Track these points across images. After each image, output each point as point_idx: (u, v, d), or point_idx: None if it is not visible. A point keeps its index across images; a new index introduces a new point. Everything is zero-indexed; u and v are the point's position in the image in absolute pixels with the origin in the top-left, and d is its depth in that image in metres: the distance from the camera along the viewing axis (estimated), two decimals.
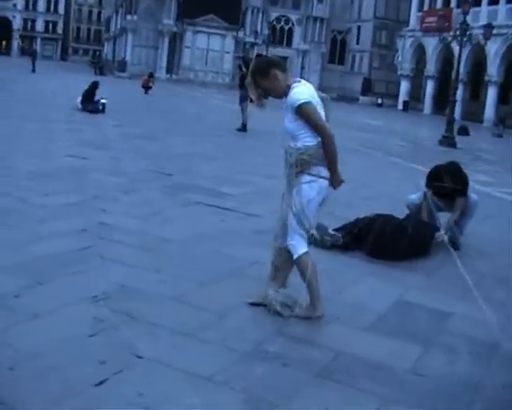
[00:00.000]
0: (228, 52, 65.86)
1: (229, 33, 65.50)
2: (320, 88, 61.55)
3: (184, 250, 6.43)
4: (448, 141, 26.37)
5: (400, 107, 60.60)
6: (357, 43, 71.63)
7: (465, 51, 45.12)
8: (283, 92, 4.80)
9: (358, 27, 71.33)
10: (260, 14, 66.48)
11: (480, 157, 22.64)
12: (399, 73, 61.71)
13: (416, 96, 62.03)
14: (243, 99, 20.09)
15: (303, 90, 4.72)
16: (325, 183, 4.85)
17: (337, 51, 72.86)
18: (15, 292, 4.82)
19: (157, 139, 15.41)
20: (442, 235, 8.03)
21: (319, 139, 4.74)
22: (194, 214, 8.10)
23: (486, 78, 48.34)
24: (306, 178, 4.81)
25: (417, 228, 7.49)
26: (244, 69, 20.33)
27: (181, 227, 7.35)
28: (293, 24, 68.45)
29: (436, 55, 55.81)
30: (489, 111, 47.57)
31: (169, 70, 64.10)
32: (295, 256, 4.97)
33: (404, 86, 61.48)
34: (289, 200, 4.92)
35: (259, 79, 4.85)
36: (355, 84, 70.25)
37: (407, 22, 61.67)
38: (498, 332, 5.18)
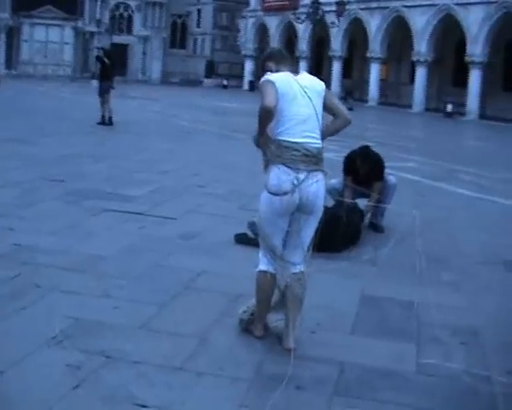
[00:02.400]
0: (67, 43, 63.31)
1: (67, 24, 62.93)
2: (163, 73, 60.49)
3: (122, 268, 5.86)
4: None
5: (246, 87, 60.96)
6: (198, 26, 71.19)
7: (308, 28, 46.24)
8: None
9: (198, 10, 70.86)
10: (99, 2, 64.39)
11: (346, 133, 22.99)
12: (243, 53, 62.03)
13: (260, 75, 62.66)
14: (105, 91, 19.23)
15: (272, 74, 4.31)
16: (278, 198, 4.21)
17: (178, 35, 72.09)
18: None
19: (30, 142, 14.30)
20: (365, 220, 7.99)
21: (278, 130, 4.24)
22: (110, 224, 7.48)
23: (330, 53, 49.58)
24: (265, 183, 4.30)
25: (350, 216, 7.32)
26: (107, 60, 19.51)
27: (104, 240, 6.74)
28: (132, 10, 66.89)
29: (279, 34, 56.51)
30: (335, 85, 48.77)
31: (8, 65, 60.83)
32: (256, 269, 4.50)
33: (249, 66, 61.89)
34: None
35: (261, 72, 4.53)
36: (198, 68, 69.95)
37: (247, 2, 61.98)
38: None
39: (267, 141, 4.25)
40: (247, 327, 4.54)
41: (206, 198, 9.34)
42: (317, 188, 4.23)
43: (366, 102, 46.45)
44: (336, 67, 49.63)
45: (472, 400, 3.88)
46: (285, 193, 4.15)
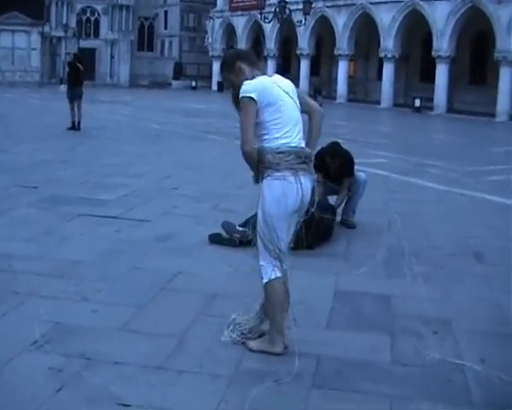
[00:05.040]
0: (34, 49, 62.92)
1: (34, 29, 62.51)
2: (132, 76, 59.88)
3: (99, 271, 5.91)
4: None
5: (215, 88, 60.99)
6: (166, 28, 71.07)
7: (275, 28, 46.40)
8: None
9: (165, 12, 70.75)
10: (65, 7, 64.06)
11: None
12: (211, 54, 62.01)
13: (227, 76, 62.67)
14: (76, 97, 19.19)
15: (252, 83, 4.14)
16: (290, 186, 4.16)
17: (145, 38, 71.92)
18: None
19: (1, 149, 14.19)
20: (336, 216, 8.11)
21: (280, 142, 4.13)
22: (86, 229, 7.51)
23: (298, 51, 49.79)
24: (267, 182, 4.20)
25: (322, 213, 7.41)
26: (80, 66, 19.52)
27: (80, 245, 6.78)
28: (99, 14, 66.61)
29: (246, 34, 56.64)
30: (303, 83, 48.97)
31: None
32: (264, 280, 4.31)
33: (217, 67, 61.78)
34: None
35: (226, 72, 4.35)
36: (166, 70, 69.85)
37: (214, 3, 62.01)
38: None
39: (258, 157, 4.18)
40: (260, 349, 4.33)
41: (180, 200, 9.41)
42: (309, 189, 4.29)
43: (335, 99, 46.73)
44: (304, 66, 49.86)
45: (446, 388, 4.00)
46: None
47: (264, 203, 4.23)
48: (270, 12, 32.22)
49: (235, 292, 5.43)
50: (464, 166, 14.99)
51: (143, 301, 5.18)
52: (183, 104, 36.40)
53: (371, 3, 43.38)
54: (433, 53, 39.78)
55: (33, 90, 49.28)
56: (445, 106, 39.54)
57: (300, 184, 4.20)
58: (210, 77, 63.57)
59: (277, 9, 27.08)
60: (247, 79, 4.21)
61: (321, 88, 42.98)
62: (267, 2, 42.23)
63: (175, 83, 66.08)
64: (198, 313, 4.94)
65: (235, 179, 11.56)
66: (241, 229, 7.05)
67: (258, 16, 41.54)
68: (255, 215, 7.30)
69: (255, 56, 4.54)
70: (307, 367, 4.11)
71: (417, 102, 39.79)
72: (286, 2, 26.84)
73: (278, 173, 4.14)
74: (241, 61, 4.33)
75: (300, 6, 36.45)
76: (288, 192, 4.17)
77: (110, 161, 13.28)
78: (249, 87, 4.14)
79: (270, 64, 50.65)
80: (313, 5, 36.84)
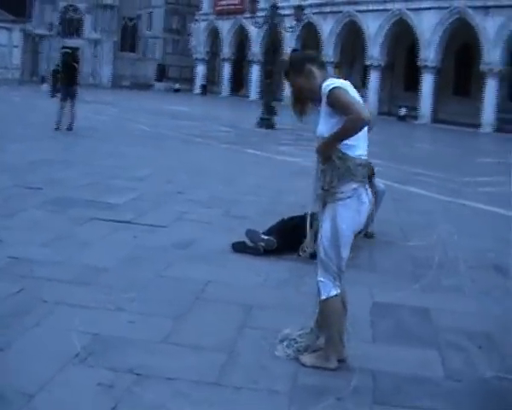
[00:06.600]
0: (16, 46, 62.31)
1: (16, 26, 61.91)
2: (114, 77, 59.45)
3: (126, 279, 5.72)
4: (267, 123, 26.75)
5: (198, 91, 60.89)
6: (149, 30, 70.69)
7: (261, 33, 46.39)
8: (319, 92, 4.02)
9: (150, 13, 70.33)
10: (48, 5, 63.43)
11: (302, 136, 22.79)
12: (194, 57, 61.83)
13: (211, 79, 62.69)
14: (70, 96, 18.85)
15: (337, 80, 3.97)
16: (362, 202, 4.08)
17: (128, 38, 71.42)
18: None
19: None
20: None
21: (357, 153, 4.00)
22: (101, 233, 7.29)
23: (283, 57, 49.67)
24: (341, 197, 4.04)
25: None
26: (76, 65, 19.29)
27: (100, 251, 6.58)
28: (82, 13, 66.12)
29: (230, 38, 56.48)
30: (287, 89, 49.01)
31: None
32: (323, 297, 4.19)
33: (200, 70, 61.79)
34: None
35: (294, 76, 4.10)
36: (148, 71, 69.57)
37: (198, 6, 61.79)
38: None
39: (333, 150, 4.02)
40: (313, 365, 4.20)
41: (189, 205, 9.22)
42: (371, 199, 4.20)
43: None
44: None
45: (506, 404, 3.90)
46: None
47: (338, 223, 4.05)
48: (261, 16, 32.07)
49: (271, 303, 5.29)
50: (459, 177, 14.99)
51: (180, 311, 5.00)
52: (168, 106, 36.19)
53: (358, 11, 43.44)
54: (418, 63, 39.92)
55: (13, 87, 48.74)
56: (429, 116, 39.69)
57: (368, 196, 4.09)
58: (192, 80, 63.37)
59: (268, 15, 27.02)
60: (317, 84, 4.03)
61: None
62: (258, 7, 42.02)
63: (157, 84, 65.86)
64: (240, 326, 4.77)
65: (237, 185, 11.45)
66: (265, 237, 6.90)
67: (244, 21, 41.48)
68: (279, 223, 7.22)
69: (322, 60, 4.37)
70: (364, 383, 3.99)
71: (402, 111, 39.91)
72: (277, 8, 26.77)
73: (351, 189, 4.00)
74: (310, 63, 4.12)
75: (289, 11, 36.42)
76: (361, 209, 4.08)
77: (107, 162, 13.06)
78: (335, 81, 3.96)
79: (255, 69, 50.63)
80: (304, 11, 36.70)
